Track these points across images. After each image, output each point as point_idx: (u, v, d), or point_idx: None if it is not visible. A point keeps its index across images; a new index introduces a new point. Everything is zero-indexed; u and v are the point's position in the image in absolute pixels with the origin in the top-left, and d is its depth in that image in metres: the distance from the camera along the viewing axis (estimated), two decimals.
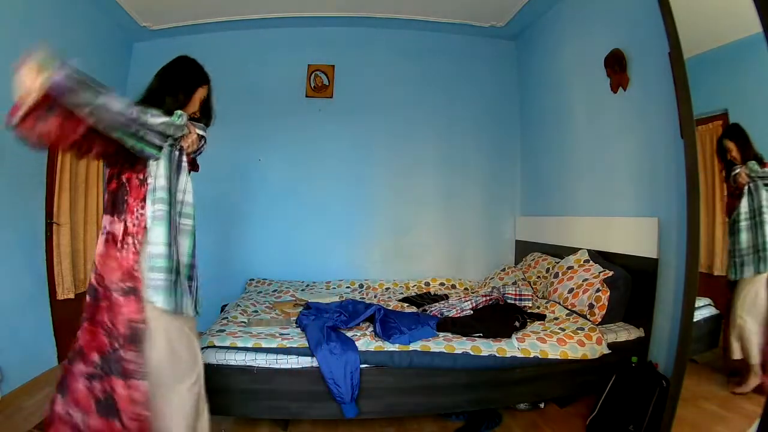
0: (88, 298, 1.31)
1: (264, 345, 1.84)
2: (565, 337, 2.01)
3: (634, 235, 2.30)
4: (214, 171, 3.44)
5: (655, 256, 2.13)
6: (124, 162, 1.30)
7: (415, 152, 3.63)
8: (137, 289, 1.25)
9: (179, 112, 1.38)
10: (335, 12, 3.32)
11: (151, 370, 1.25)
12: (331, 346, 1.81)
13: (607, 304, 2.17)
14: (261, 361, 1.83)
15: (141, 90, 1.53)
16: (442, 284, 3.32)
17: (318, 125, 3.52)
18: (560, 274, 2.58)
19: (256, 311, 2.49)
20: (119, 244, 1.26)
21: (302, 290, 3.10)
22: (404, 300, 2.86)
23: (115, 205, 1.30)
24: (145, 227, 1.27)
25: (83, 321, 1.31)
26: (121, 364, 1.22)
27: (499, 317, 2.15)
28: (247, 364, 1.83)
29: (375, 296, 3.07)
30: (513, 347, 1.93)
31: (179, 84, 1.47)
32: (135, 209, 1.28)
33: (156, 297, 1.24)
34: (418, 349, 1.88)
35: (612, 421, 1.83)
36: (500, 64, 3.75)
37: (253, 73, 3.48)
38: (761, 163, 1.45)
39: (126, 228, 1.27)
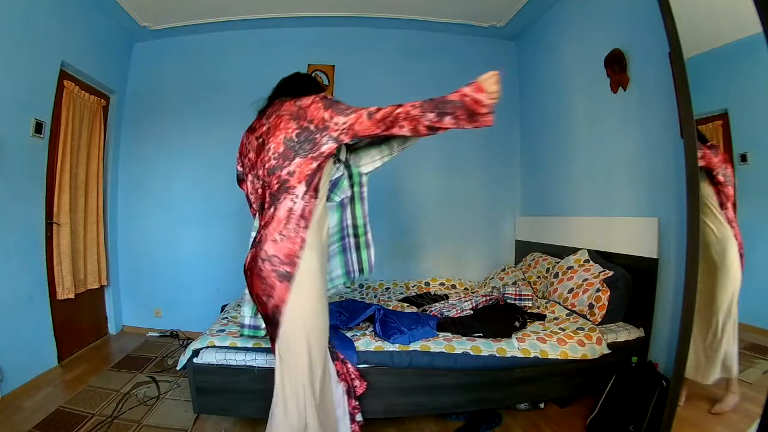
0: None
1: (264, 345, 1.84)
2: (565, 337, 2.01)
3: (634, 235, 2.30)
4: (213, 171, 3.45)
5: (655, 256, 2.13)
6: None
7: (415, 152, 3.60)
8: None
9: None
10: (335, 12, 3.32)
11: None
12: (331, 345, 1.80)
13: (607, 304, 2.17)
14: (261, 361, 1.83)
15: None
16: (442, 284, 3.32)
17: None
18: (560, 274, 2.58)
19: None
20: None
21: None
22: (404, 300, 2.86)
23: None
24: None
25: None
26: None
27: (499, 317, 2.15)
28: (247, 364, 1.83)
29: (375, 296, 3.07)
30: (513, 347, 1.93)
31: None
32: None
33: None
34: (418, 349, 1.88)
35: (612, 421, 1.83)
36: (500, 64, 3.73)
37: (253, 73, 3.48)
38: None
39: None
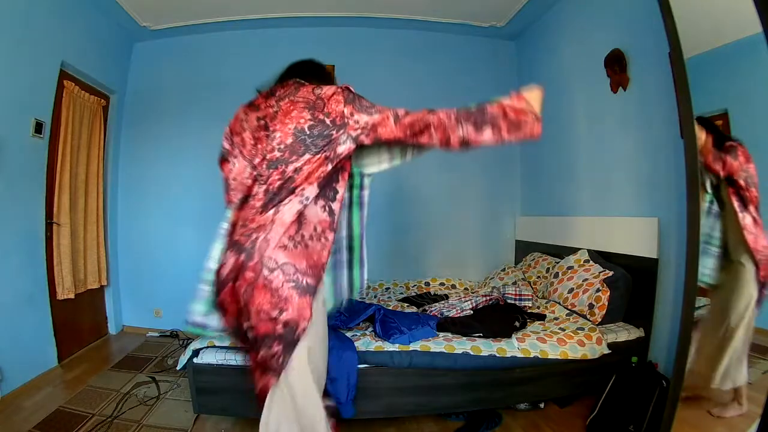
0: None
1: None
2: (565, 337, 2.01)
3: (634, 235, 2.30)
4: (213, 171, 3.45)
5: (655, 256, 2.13)
6: None
7: None
8: None
9: None
10: (335, 12, 3.32)
11: None
12: (330, 345, 1.80)
13: (607, 304, 2.17)
14: None
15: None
16: (442, 284, 3.32)
17: None
18: (560, 274, 2.58)
19: None
20: None
21: None
22: (404, 300, 2.86)
23: None
24: None
25: None
26: None
27: (499, 317, 2.15)
28: (248, 363, 1.83)
29: (375, 296, 3.07)
30: (513, 347, 1.93)
31: None
32: None
33: None
34: (418, 349, 1.88)
35: (612, 421, 1.83)
36: (500, 64, 3.75)
37: (253, 73, 3.47)
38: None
39: None
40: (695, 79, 1.49)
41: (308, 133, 1.15)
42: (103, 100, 3.18)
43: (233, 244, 1.15)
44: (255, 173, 1.19)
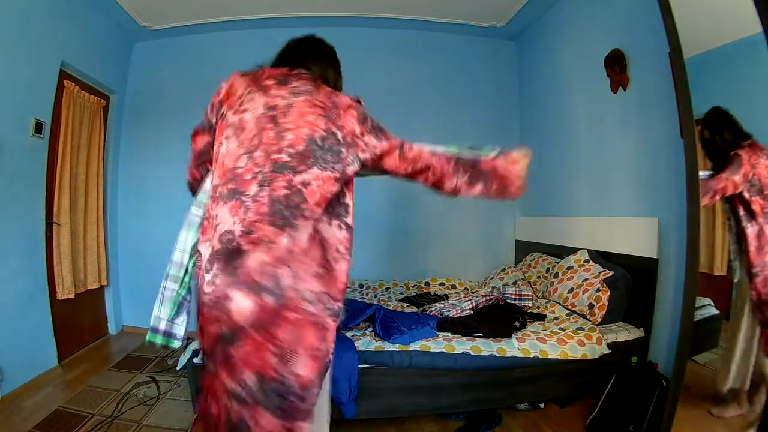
0: None
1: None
2: (565, 337, 2.01)
3: (634, 235, 2.30)
4: None
5: (655, 256, 2.13)
6: None
7: None
8: None
9: None
10: (335, 12, 3.32)
11: None
12: None
13: (607, 304, 2.17)
14: None
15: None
16: (442, 284, 3.32)
17: None
18: (560, 274, 2.58)
19: None
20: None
21: None
22: (404, 300, 2.86)
23: None
24: None
25: None
26: None
27: (499, 317, 2.15)
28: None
29: (375, 296, 3.07)
30: (513, 347, 1.93)
31: None
32: None
33: None
34: (418, 349, 1.88)
35: (612, 421, 1.83)
36: (500, 64, 3.75)
37: None
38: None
39: None
40: (695, 79, 1.50)
41: (320, 144, 1.03)
42: (103, 100, 3.18)
43: (249, 284, 0.95)
44: (256, 169, 1.01)
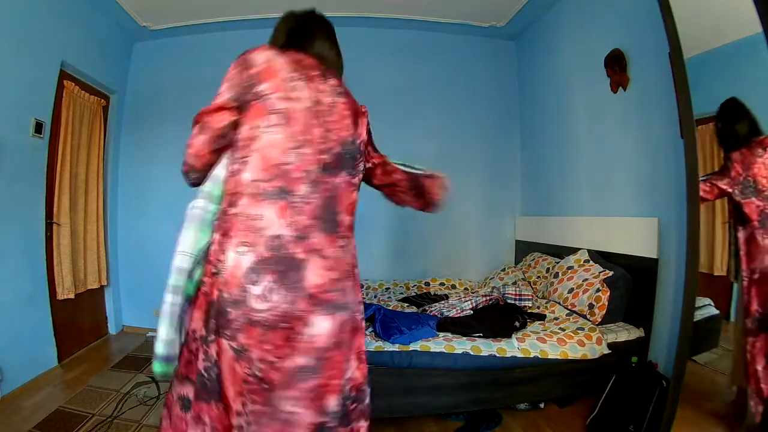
0: None
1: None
2: (565, 337, 2.01)
3: (634, 235, 2.30)
4: None
5: (655, 256, 2.13)
6: None
7: (415, 152, 3.62)
8: None
9: None
10: (335, 12, 3.31)
11: None
12: None
13: (607, 304, 2.17)
14: None
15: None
16: (442, 284, 3.32)
17: None
18: (560, 274, 2.58)
19: None
20: None
21: None
22: (404, 300, 2.86)
23: None
24: None
25: None
26: None
27: (499, 317, 2.15)
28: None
29: (375, 296, 3.07)
30: (513, 347, 1.93)
31: None
32: None
33: None
34: (418, 349, 1.88)
35: (612, 421, 1.83)
36: (500, 64, 3.75)
37: None
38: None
39: None
40: (695, 79, 1.50)
41: (347, 150, 1.00)
42: (103, 100, 3.18)
43: (323, 303, 0.89)
44: (304, 168, 0.92)
